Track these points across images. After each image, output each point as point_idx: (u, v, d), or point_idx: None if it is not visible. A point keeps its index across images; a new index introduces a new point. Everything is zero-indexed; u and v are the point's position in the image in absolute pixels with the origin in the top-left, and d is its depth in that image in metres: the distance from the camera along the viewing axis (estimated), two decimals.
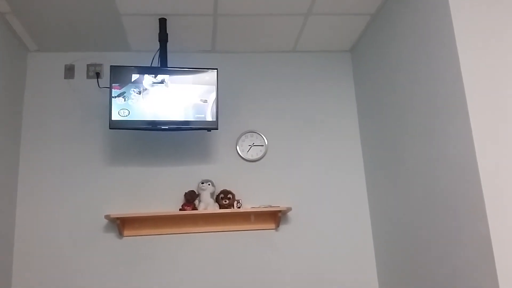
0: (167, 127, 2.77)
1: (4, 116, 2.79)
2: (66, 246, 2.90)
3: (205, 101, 2.81)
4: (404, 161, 2.60)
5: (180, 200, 3.01)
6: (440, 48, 2.17)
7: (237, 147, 3.16)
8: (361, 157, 3.25)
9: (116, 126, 2.73)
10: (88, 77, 3.16)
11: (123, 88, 2.74)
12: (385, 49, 2.82)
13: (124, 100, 2.73)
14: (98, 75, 3.15)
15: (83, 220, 2.95)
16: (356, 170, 3.22)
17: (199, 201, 2.94)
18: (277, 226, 3.04)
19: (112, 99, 2.72)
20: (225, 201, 2.94)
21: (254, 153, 3.16)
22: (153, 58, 3.02)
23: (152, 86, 2.77)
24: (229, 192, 2.98)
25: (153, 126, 2.75)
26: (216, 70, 2.86)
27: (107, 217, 2.81)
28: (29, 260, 2.86)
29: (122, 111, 2.72)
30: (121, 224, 2.88)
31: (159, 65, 2.92)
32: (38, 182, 2.98)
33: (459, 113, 2.03)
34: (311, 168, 3.19)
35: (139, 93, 2.75)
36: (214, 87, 2.83)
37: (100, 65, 3.18)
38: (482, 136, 1.94)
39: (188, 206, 2.92)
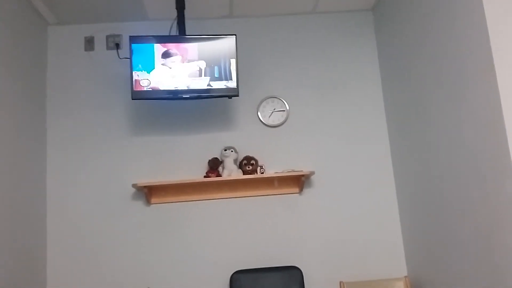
0: (188, 96, 2.78)
1: (29, 91, 2.85)
2: (96, 216, 3.00)
3: (225, 68, 2.80)
4: (429, 123, 2.56)
5: (204, 167, 3.06)
6: (467, 5, 2.08)
7: (259, 113, 3.16)
8: (385, 119, 3.21)
9: (138, 96, 2.76)
10: (108, 48, 3.18)
11: (142, 58, 2.74)
12: (408, 6, 2.72)
13: (145, 70, 2.74)
14: (117, 46, 3.16)
15: (112, 189, 3.04)
16: (379, 132, 3.19)
17: (223, 168, 2.98)
18: (301, 190, 3.07)
19: (133, 69, 2.73)
20: (249, 167, 2.97)
21: (276, 119, 3.16)
22: (171, 27, 3.00)
23: (171, 55, 2.76)
24: (252, 158, 3.00)
25: (174, 95, 2.77)
26: (235, 36, 2.83)
27: (134, 186, 2.88)
28: (61, 229, 2.98)
29: (143, 81, 2.74)
30: (148, 192, 2.96)
31: (177, 33, 2.90)
32: (65, 155, 3.06)
33: (486, 74, 1.96)
34: (333, 132, 3.17)
35: (159, 62, 2.75)
36: (234, 53, 2.81)
37: (119, 35, 3.18)
38: (509, 97, 1.88)
39: (212, 173, 2.97)
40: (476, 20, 2.01)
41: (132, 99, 2.78)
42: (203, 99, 3.08)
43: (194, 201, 3.04)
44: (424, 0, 2.51)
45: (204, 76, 2.78)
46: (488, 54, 1.94)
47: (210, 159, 3.02)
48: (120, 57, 3.15)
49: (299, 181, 3.03)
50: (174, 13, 2.94)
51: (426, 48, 2.53)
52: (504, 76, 1.90)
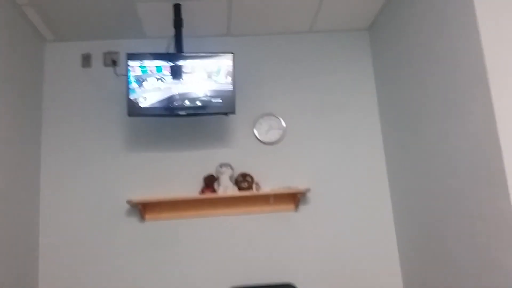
0: (184, 113, 2.79)
1: (25, 107, 2.85)
2: (90, 231, 2.97)
3: (222, 85, 2.81)
4: (424, 139, 2.57)
5: (200, 184, 3.05)
6: (460, 24, 2.12)
7: (255, 130, 3.17)
8: (380, 136, 3.22)
9: (135, 113, 2.76)
10: (105, 65, 3.20)
11: (139, 75, 2.76)
12: (404, 26, 2.76)
13: (141, 87, 2.75)
14: (114, 63, 3.18)
15: (106, 205, 3.02)
16: (375, 149, 3.20)
17: (218, 185, 2.97)
18: (297, 207, 3.06)
19: (129, 86, 2.74)
20: (244, 184, 2.96)
21: (272, 136, 3.17)
22: (168, 44, 3.03)
23: (169, 72, 2.78)
24: (248, 175, 3.00)
25: (171, 112, 2.77)
26: (232, 54, 2.85)
27: (129, 202, 2.86)
28: (54, 245, 2.95)
29: (139, 98, 2.75)
30: (143, 209, 2.94)
31: (174, 51, 2.92)
32: (60, 170, 3.05)
33: (480, 90, 1.98)
34: (329, 149, 3.18)
35: (156, 79, 2.77)
36: (231, 71, 2.83)
37: (117, 53, 3.20)
38: (503, 112, 1.90)
39: (207, 190, 2.95)
40: (470, 36, 2.04)
41: (129, 116, 2.78)
42: (200, 116, 3.08)
43: (189, 218, 3.02)
44: (420, 19, 2.55)
45: (201, 93, 2.79)
46: (482, 70, 1.96)
47: (205, 175, 3.01)
48: (117, 74, 3.16)
49: (295, 198, 3.02)
50: (171, 31, 2.97)
51: (422, 67, 2.56)
52: (498, 91, 1.91)
